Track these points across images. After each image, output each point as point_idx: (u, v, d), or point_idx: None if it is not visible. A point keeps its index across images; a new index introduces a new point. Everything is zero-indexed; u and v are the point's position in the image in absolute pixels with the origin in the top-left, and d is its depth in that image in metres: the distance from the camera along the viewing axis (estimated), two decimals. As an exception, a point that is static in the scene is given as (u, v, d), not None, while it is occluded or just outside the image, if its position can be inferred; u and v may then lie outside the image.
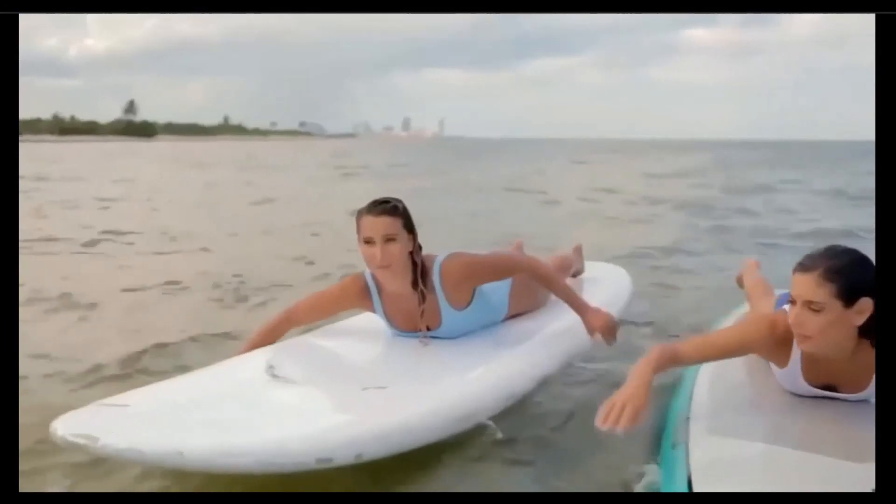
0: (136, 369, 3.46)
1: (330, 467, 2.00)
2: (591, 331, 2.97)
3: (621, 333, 3.08)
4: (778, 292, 2.98)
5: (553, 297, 3.57)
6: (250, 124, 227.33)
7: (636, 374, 2.14)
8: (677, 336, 3.88)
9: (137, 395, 2.33)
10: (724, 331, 2.46)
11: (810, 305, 2.09)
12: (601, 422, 2.03)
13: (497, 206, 12.27)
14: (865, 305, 2.06)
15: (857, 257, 2.12)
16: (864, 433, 2.11)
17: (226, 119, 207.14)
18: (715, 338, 2.34)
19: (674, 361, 2.24)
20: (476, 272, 2.86)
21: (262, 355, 2.71)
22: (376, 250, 2.68)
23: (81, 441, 1.95)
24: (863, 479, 1.76)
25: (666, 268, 6.38)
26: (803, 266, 2.13)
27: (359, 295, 2.96)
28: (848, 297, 2.06)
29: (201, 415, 2.18)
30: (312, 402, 2.34)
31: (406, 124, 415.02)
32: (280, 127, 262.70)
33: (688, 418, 2.24)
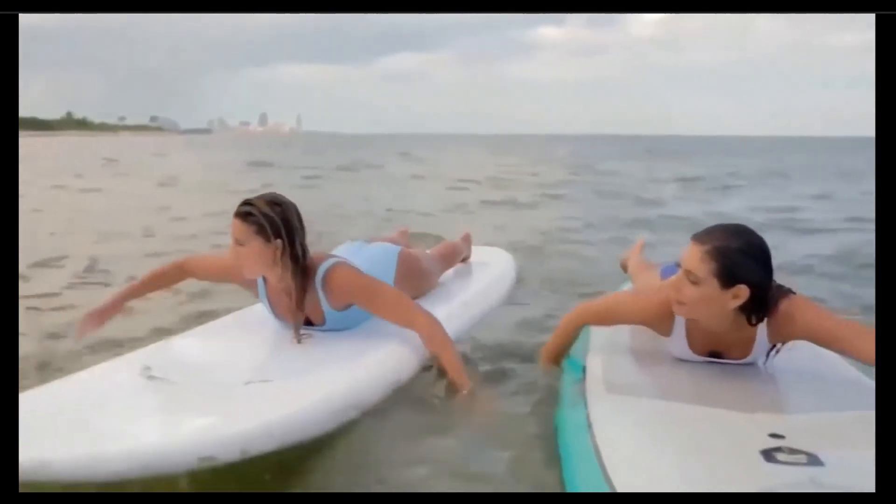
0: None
1: (215, 465, 1.90)
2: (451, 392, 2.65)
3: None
4: (663, 265, 3.12)
5: (441, 280, 3.65)
6: (96, 119, 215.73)
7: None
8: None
9: None
10: (615, 301, 2.64)
11: (689, 276, 2.15)
12: None
13: (378, 195, 12.30)
14: (741, 292, 2.12)
15: (748, 244, 2.15)
16: (753, 384, 2.26)
17: (69, 113, 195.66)
18: (606, 305, 2.59)
19: (581, 327, 2.64)
20: (355, 297, 2.77)
21: (136, 357, 2.56)
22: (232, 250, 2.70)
23: None
24: (761, 426, 1.85)
25: (555, 243, 6.92)
26: (697, 237, 2.18)
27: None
28: (725, 280, 2.11)
29: (70, 424, 2.01)
30: (192, 401, 2.21)
31: (263, 119, 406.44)
32: (129, 122, 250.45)
33: (583, 380, 2.31)
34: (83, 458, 1.79)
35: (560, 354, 2.73)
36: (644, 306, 2.41)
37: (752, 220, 8.79)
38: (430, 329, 2.74)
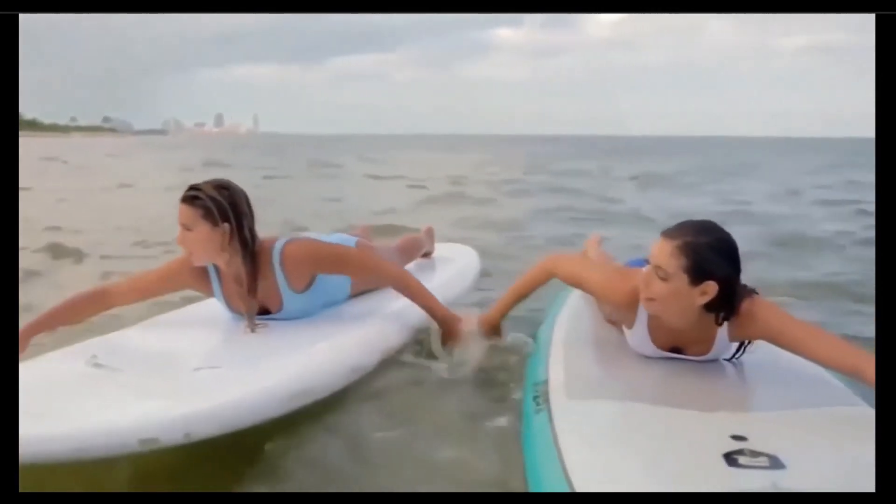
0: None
1: (158, 448, 1.87)
2: (446, 338, 2.87)
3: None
4: (629, 260, 3.07)
5: None
6: (46, 119, 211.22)
7: (492, 311, 2.81)
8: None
9: None
10: (589, 267, 2.61)
11: (658, 271, 2.14)
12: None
13: (339, 194, 12.32)
14: (710, 288, 2.11)
15: (717, 240, 2.14)
16: (717, 382, 2.25)
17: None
18: (581, 270, 2.55)
19: (549, 277, 2.66)
20: (320, 262, 2.80)
21: (82, 348, 2.49)
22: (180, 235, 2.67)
23: None
24: (724, 427, 1.83)
25: (515, 240, 7.08)
26: (667, 233, 2.17)
27: (195, 274, 2.82)
28: (694, 276, 2.10)
29: None
30: (136, 385, 2.17)
31: (219, 120, 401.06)
32: (81, 123, 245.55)
33: (546, 381, 2.26)
34: (21, 440, 1.73)
35: (515, 304, 2.80)
36: (612, 289, 2.41)
37: (707, 213, 9.16)
38: (402, 278, 2.87)
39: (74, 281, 4.74)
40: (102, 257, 6.02)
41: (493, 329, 2.85)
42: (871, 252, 6.23)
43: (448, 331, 2.86)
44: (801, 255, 6.31)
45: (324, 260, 2.81)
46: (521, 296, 2.79)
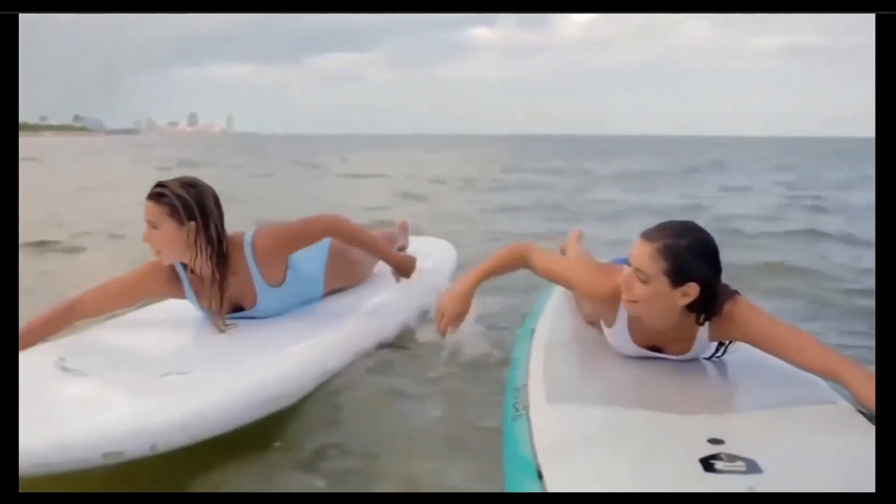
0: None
1: (122, 461, 1.82)
2: (395, 275, 3.27)
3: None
4: (615, 259, 3.04)
5: (375, 271, 3.58)
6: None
7: (460, 281, 2.54)
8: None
9: None
10: (571, 262, 2.56)
11: (638, 273, 2.13)
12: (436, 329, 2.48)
13: (315, 193, 12.54)
14: (691, 290, 2.09)
15: (697, 241, 2.12)
16: (697, 382, 2.24)
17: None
18: (561, 264, 2.50)
19: (520, 264, 2.52)
20: (290, 240, 2.81)
21: (50, 349, 2.44)
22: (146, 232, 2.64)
23: None
24: (701, 431, 1.81)
25: (493, 237, 7.09)
26: (647, 235, 2.15)
27: (165, 279, 2.77)
28: (675, 278, 2.08)
29: None
30: (103, 393, 2.11)
31: (192, 119, 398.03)
32: (52, 121, 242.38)
33: (525, 385, 2.24)
34: None
35: (480, 282, 2.54)
36: (594, 286, 2.39)
37: (674, 207, 9.44)
38: (358, 231, 3.06)
39: (66, 280, 4.78)
40: (90, 256, 6.07)
41: (458, 303, 2.54)
42: (819, 244, 6.77)
43: (401, 268, 3.23)
44: (759, 245, 6.73)
45: (293, 237, 2.83)
46: (487, 276, 2.54)
